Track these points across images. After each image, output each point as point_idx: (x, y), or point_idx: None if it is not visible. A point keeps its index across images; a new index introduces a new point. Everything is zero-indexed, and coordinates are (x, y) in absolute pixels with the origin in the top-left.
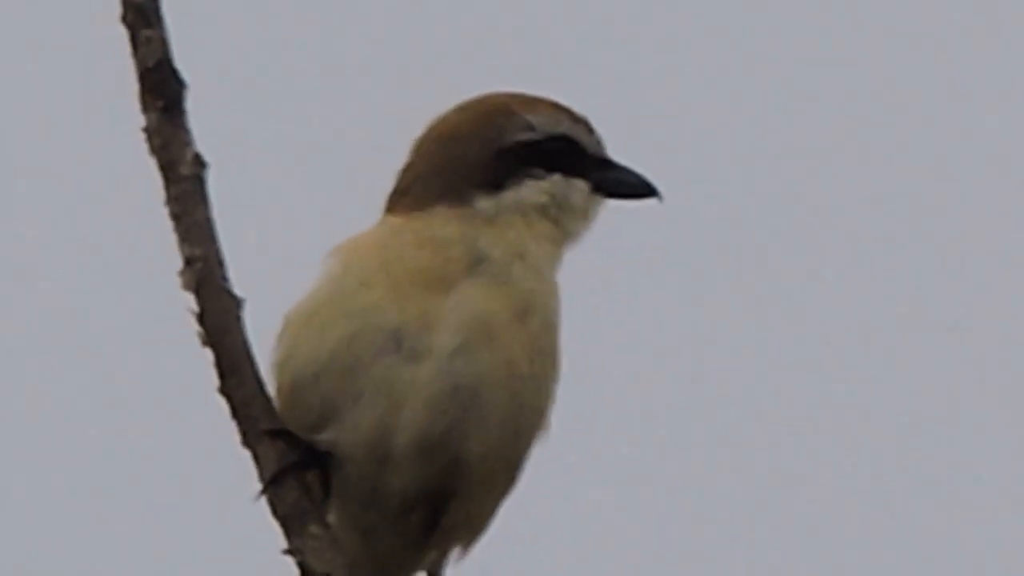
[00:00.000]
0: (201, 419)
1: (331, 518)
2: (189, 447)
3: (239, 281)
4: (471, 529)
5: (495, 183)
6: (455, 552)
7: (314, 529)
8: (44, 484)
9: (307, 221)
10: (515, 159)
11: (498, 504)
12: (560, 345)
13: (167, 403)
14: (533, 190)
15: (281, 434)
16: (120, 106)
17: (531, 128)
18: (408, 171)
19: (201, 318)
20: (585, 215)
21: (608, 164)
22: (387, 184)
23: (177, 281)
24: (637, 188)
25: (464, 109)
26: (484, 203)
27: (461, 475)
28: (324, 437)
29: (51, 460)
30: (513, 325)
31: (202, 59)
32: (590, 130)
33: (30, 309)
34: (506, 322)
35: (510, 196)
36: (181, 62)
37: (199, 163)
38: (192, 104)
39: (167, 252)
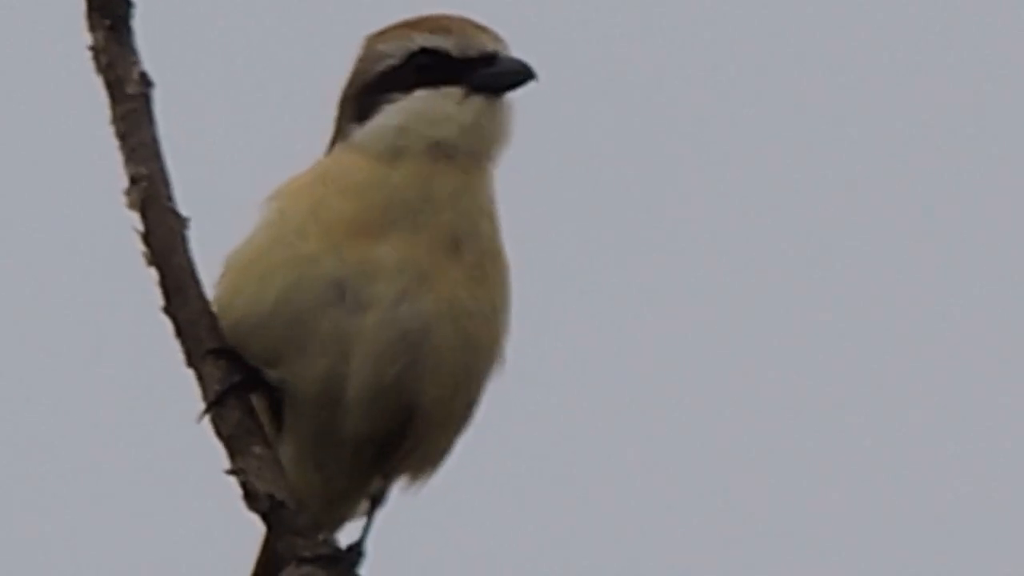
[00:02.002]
0: (145, 339)
1: (284, 449)
2: (133, 367)
3: (184, 201)
4: (424, 465)
5: (362, 116)
6: (410, 482)
7: (257, 450)
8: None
9: (253, 141)
10: (382, 90)
11: (453, 441)
12: (506, 266)
13: (112, 323)
14: (388, 114)
15: (225, 354)
16: (67, 25)
17: (386, 56)
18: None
19: (146, 237)
20: (465, 120)
21: (488, 61)
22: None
23: (122, 200)
24: (510, 77)
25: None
26: (357, 135)
27: (414, 418)
28: (273, 374)
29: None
30: (446, 262)
31: None
32: (450, 33)
33: None
34: (438, 261)
35: (371, 124)
36: None
37: (145, 82)
38: (139, 23)
39: (113, 171)
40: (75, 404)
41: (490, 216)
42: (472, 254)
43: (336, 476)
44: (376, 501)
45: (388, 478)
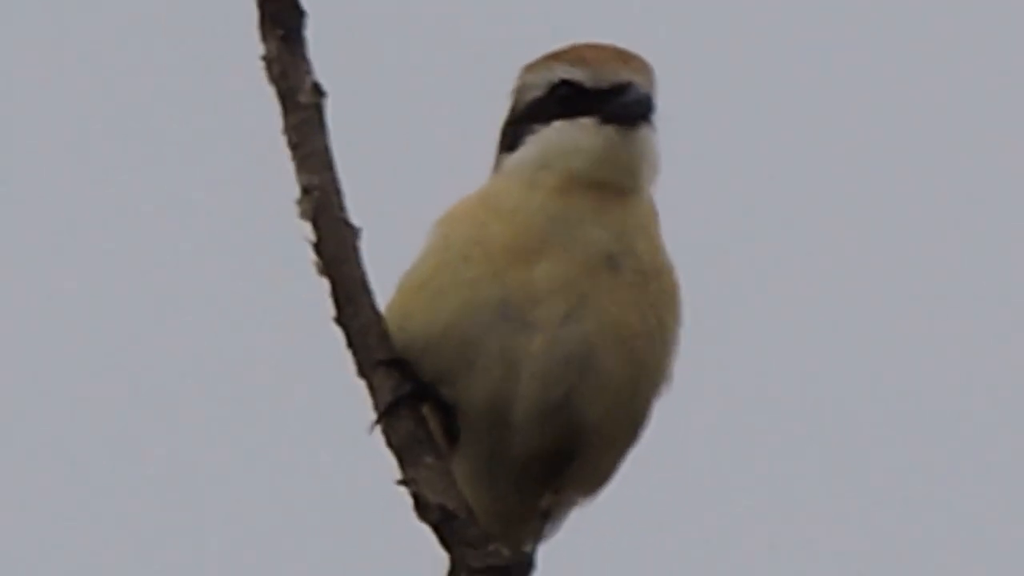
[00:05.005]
0: (318, 349)
1: (458, 465)
2: (305, 377)
3: (356, 211)
4: (592, 482)
5: (511, 146)
6: (578, 498)
7: (428, 460)
8: (162, 411)
9: (423, 151)
10: (529, 121)
11: (619, 459)
12: (674, 284)
13: (284, 333)
14: (528, 146)
15: (397, 364)
16: (240, 34)
17: (533, 87)
18: None
19: (318, 247)
20: (594, 151)
21: (620, 91)
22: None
23: (295, 210)
24: (631, 108)
25: None
26: (506, 164)
27: (580, 438)
28: (443, 392)
29: (166, 388)
30: (605, 281)
31: None
32: (585, 63)
33: (148, 232)
34: (596, 280)
35: (516, 154)
36: None
37: (318, 92)
38: (312, 33)
39: (285, 181)
40: (250, 415)
41: (647, 235)
42: (631, 272)
43: (508, 492)
44: (546, 516)
45: (557, 494)
